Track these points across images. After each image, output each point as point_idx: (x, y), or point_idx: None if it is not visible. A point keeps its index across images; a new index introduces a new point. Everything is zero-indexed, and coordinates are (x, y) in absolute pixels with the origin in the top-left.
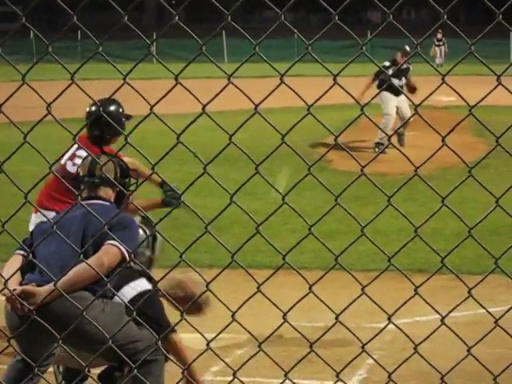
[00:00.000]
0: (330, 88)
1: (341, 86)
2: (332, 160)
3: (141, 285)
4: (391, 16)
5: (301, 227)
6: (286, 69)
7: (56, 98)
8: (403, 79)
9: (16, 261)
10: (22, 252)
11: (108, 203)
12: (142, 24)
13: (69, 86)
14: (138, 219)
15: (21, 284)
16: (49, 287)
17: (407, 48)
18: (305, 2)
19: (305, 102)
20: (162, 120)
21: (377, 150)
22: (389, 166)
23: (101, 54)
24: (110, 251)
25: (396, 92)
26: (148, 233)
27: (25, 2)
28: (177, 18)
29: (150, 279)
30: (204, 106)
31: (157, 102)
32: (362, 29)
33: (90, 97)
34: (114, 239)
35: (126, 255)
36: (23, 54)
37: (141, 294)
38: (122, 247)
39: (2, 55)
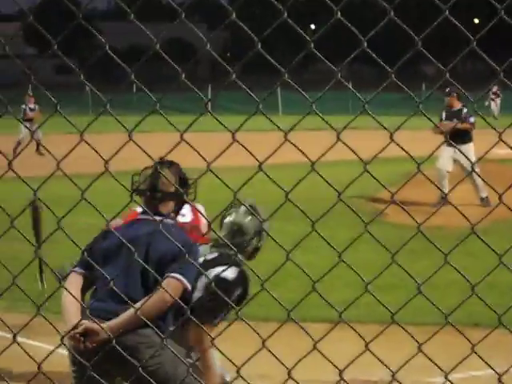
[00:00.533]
0: (387, 145)
1: (398, 144)
2: (387, 213)
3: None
4: (447, 74)
5: (355, 281)
6: (340, 122)
7: (113, 156)
8: (455, 120)
9: (75, 282)
10: (82, 270)
11: (170, 221)
12: (196, 75)
13: (125, 144)
14: (242, 209)
15: (82, 311)
16: (114, 324)
17: (447, 90)
18: (359, 55)
19: (360, 158)
20: (219, 177)
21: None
22: (445, 219)
23: (158, 110)
24: (173, 286)
25: (453, 140)
26: (256, 222)
27: (80, 55)
28: (234, 75)
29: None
30: (260, 164)
31: (214, 159)
32: (416, 81)
33: (146, 152)
34: (176, 271)
35: (189, 286)
36: (79, 106)
37: (223, 280)
38: (184, 280)
39: (60, 112)
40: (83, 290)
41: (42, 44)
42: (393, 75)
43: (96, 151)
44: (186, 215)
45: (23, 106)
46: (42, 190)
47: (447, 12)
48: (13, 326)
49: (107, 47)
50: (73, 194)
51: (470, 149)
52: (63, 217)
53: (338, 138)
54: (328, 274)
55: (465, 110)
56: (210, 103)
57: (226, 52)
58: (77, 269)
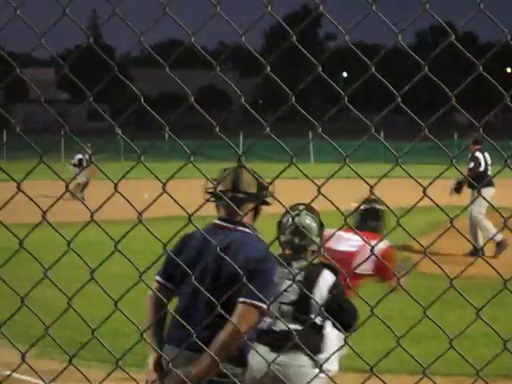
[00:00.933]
0: (420, 200)
1: (431, 199)
2: (418, 263)
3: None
4: (481, 130)
5: (386, 331)
6: (372, 170)
7: (147, 207)
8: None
9: (154, 297)
10: (162, 280)
11: (248, 230)
12: (228, 123)
13: (160, 195)
14: (303, 212)
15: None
16: (200, 369)
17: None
18: (390, 104)
19: (394, 213)
20: (258, 235)
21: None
22: (476, 269)
23: (191, 163)
24: (248, 313)
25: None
26: (316, 222)
27: (111, 102)
28: (268, 129)
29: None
30: (293, 218)
31: (246, 213)
32: (448, 130)
33: (177, 201)
34: (252, 295)
35: (265, 308)
36: (111, 152)
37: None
38: (260, 304)
39: (94, 163)
40: (167, 300)
41: (74, 90)
42: (426, 129)
43: (131, 204)
44: None
45: (79, 156)
46: (73, 237)
47: (481, 68)
48: (44, 373)
49: (142, 100)
50: (104, 241)
51: (485, 194)
52: (96, 268)
53: (371, 192)
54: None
55: (476, 154)
56: (241, 147)
57: (257, 98)
58: (158, 278)
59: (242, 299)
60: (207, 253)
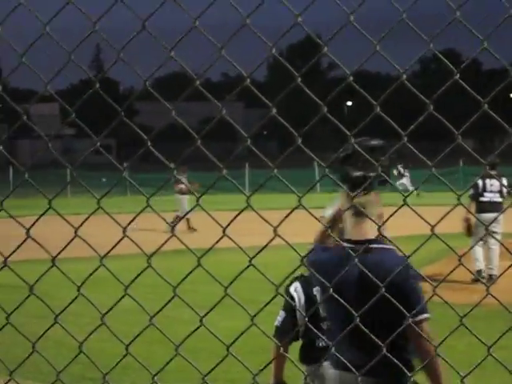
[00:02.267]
0: (428, 240)
1: (440, 238)
2: (426, 291)
3: None
4: (487, 168)
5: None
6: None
7: (158, 249)
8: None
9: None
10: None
11: (383, 245)
12: (232, 153)
13: (170, 238)
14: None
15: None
16: None
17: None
18: (395, 135)
19: (401, 250)
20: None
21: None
22: (488, 297)
23: (199, 204)
24: (428, 331)
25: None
26: None
27: (117, 135)
28: (275, 171)
29: None
30: (302, 258)
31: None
32: (454, 156)
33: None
34: (419, 311)
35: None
36: (117, 187)
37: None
38: (428, 315)
39: (100, 206)
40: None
41: (79, 124)
42: (433, 169)
43: (141, 249)
44: None
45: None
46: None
47: (486, 106)
48: None
49: (149, 144)
50: (115, 275)
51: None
52: (107, 312)
53: (379, 231)
54: None
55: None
56: (247, 178)
57: (262, 129)
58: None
59: (418, 318)
60: (349, 276)
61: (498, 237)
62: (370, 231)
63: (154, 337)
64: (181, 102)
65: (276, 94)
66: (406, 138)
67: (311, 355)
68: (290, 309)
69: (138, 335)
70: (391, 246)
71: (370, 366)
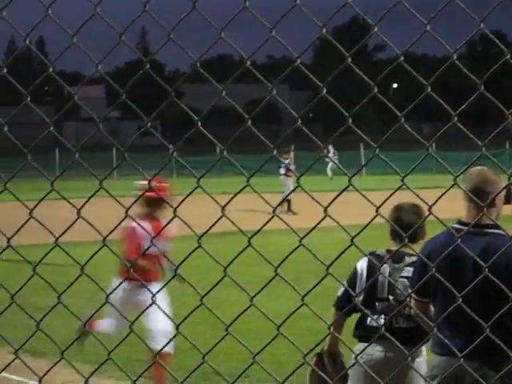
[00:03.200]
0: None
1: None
2: None
3: None
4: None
5: None
6: (424, 181)
7: (210, 228)
8: None
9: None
10: (419, 298)
11: (500, 231)
12: (279, 136)
13: (221, 218)
14: None
15: None
16: None
17: None
18: (441, 115)
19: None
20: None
21: None
22: None
23: (250, 186)
24: None
25: None
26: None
27: (163, 117)
28: (325, 151)
29: None
30: (352, 238)
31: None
32: (500, 138)
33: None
34: None
35: None
36: (165, 169)
37: None
38: None
39: (151, 185)
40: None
41: (125, 107)
42: (483, 148)
43: (187, 224)
44: None
45: (286, 162)
46: None
47: None
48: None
49: (199, 125)
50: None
51: None
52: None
53: (430, 212)
54: None
55: None
56: (292, 161)
57: (308, 112)
58: (417, 297)
59: None
60: (462, 261)
61: None
62: (485, 217)
63: (200, 318)
64: (228, 85)
65: (322, 76)
66: (456, 118)
67: (362, 333)
68: (351, 282)
69: (188, 315)
70: (505, 232)
71: (476, 351)
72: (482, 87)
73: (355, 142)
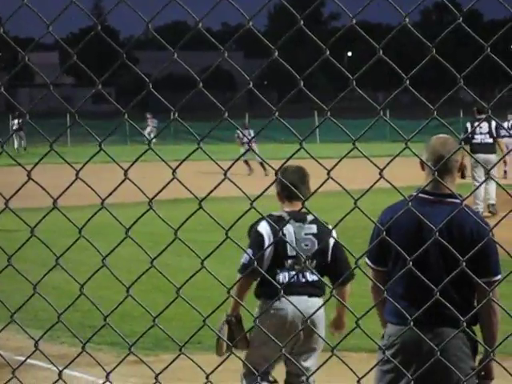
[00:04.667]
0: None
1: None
2: None
3: None
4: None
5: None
6: (378, 150)
7: (158, 193)
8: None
9: (377, 297)
10: (375, 266)
11: (458, 200)
12: (233, 103)
13: (171, 181)
14: None
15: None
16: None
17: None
18: (395, 83)
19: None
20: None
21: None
22: None
23: (201, 148)
24: (497, 293)
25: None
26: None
27: (117, 83)
28: (277, 114)
29: None
30: (303, 202)
31: (258, 196)
32: (454, 107)
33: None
34: (493, 271)
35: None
36: (117, 135)
37: None
38: (500, 276)
39: (101, 148)
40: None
41: (79, 73)
42: (435, 112)
43: (138, 187)
44: None
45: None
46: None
47: (489, 50)
48: (54, 357)
49: (151, 86)
50: (114, 223)
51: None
52: (108, 255)
53: (381, 176)
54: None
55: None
56: (250, 130)
57: (262, 79)
58: (372, 264)
59: (493, 279)
60: (423, 229)
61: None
62: (449, 185)
63: (152, 285)
64: (181, 51)
65: (277, 42)
66: (407, 82)
67: (270, 291)
68: (258, 246)
69: (138, 278)
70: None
71: (433, 319)
72: (434, 50)
73: (310, 110)
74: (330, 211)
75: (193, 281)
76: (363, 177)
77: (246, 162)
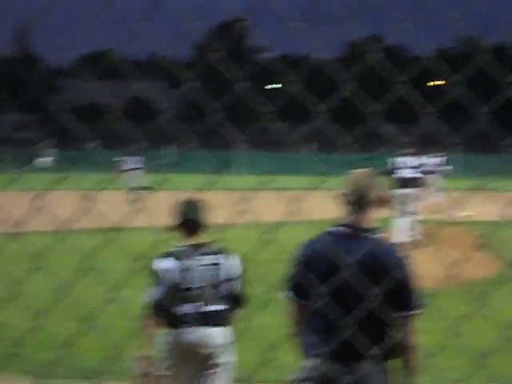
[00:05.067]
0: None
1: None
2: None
3: None
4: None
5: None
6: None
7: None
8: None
9: (298, 328)
10: (297, 298)
11: (378, 235)
12: (154, 133)
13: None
14: None
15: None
16: None
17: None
18: (317, 115)
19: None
20: None
21: None
22: None
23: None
24: (415, 327)
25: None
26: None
27: (39, 112)
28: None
29: None
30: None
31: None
32: (374, 142)
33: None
34: (414, 305)
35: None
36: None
37: None
38: (420, 310)
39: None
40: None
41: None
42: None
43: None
44: None
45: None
46: None
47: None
48: None
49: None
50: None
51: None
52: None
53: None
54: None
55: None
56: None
57: (189, 109)
58: (294, 296)
59: (412, 312)
60: (341, 264)
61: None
62: (366, 221)
63: (69, 313)
64: (105, 81)
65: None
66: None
67: (172, 321)
68: (157, 284)
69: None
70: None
71: (352, 355)
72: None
73: (229, 141)
74: (246, 243)
75: (111, 310)
76: (282, 209)
77: (131, 189)
